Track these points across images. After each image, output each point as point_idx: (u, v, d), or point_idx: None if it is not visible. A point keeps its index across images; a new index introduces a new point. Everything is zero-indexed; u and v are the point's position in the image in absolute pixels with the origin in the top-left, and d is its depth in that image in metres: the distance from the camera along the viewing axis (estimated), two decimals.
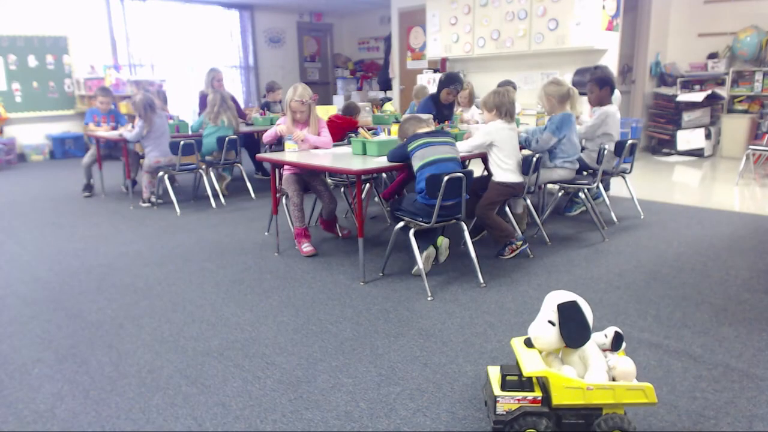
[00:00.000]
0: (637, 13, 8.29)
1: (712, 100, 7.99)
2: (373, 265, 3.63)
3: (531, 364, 1.81)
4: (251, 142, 6.66)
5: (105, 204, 5.68)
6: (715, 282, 3.28)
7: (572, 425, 1.83)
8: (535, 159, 3.70)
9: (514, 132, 3.74)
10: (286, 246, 4.08)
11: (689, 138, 8.03)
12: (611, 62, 6.57)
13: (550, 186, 4.42)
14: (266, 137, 4.21)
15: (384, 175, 5.22)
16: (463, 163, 4.51)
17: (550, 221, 4.58)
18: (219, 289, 3.31)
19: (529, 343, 1.91)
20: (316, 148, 4.13)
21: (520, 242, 3.70)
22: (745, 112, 7.91)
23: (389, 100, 9.48)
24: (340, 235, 4.31)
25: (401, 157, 3.37)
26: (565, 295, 1.87)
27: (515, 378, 1.84)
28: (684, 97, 8.00)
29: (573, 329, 1.83)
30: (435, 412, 2.06)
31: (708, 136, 8.02)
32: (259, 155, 4.30)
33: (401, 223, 3.31)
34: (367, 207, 4.95)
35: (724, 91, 7.98)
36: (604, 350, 1.93)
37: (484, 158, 4.65)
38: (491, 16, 7.21)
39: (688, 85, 8.24)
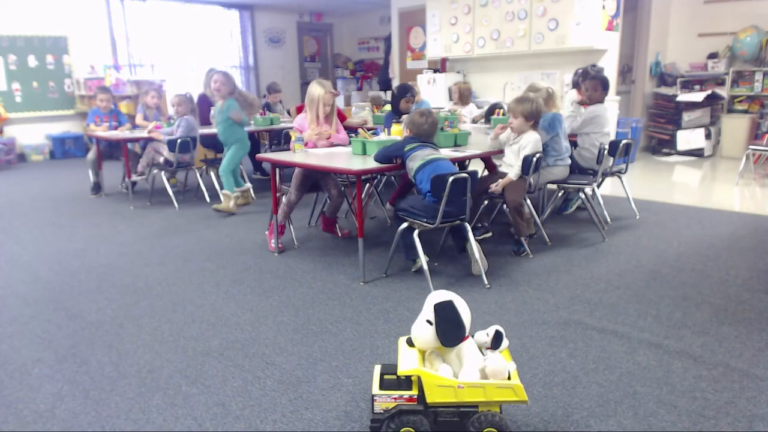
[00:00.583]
0: (637, 13, 8.29)
1: (712, 100, 7.99)
2: (373, 265, 3.63)
3: (405, 363, 1.84)
4: (251, 142, 6.64)
5: (105, 204, 5.68)
6: (715, 282, 3.28)
7: (448, 423, 1.85)
8: (535, 159, 3.70)
9: None
10: (286, 246, 4.08)
11: (689, 138, 8.03)
12: (611, 62, 6.57)
13: (550, 186, 4.43)
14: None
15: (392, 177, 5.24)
16: (462, 163, 4.53)
17: (549, 221, 4.58)
18: (219, 289, 3.31)
19: (411, 342, 1.94)
20: (333, 145, 4.20)
21: (531, 234, 3.92)
22: (745, 112, 7.91)
23: (388, 103, 9.46)
24: (339, 234, 4.31)
25: (390, 158, 3.37)
26: (443, 295, 1.90)
27: (393, 377, 1.86)
28: (684, 97, 8.00)
29: (448, 329, 1.86)
30: None
31: (708, 136, 8.02)
32: (258, 155, 4.29)
33: (405, 224, 3.30)
34: (367, 207, 4.96)
35: (724, 91, 7.98)
36: (487, 348, 1.95)
37: (486, 159, 4.67)
38: (491, 16, 7.21)
39: (688, 85, 8.24)
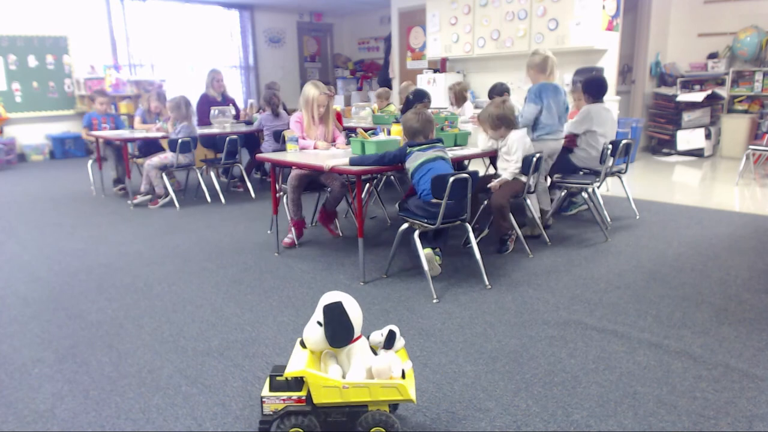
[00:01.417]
0: (637, 13, 8.29)
1: (712, 100, 7.99)
2: (373, 265, 3.63)
3: (293, 365, 1.85)
4: (251, 142, 6.65)
5: (105, 204, 5.68)
6: (715, 282, 3.28)
7: (337, 423, 1.86)
8: (535, 159, 3.70)
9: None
10: (286, 246, 4.08)
11: (689, 138, 8.03)
12: (611, 62, 6.57)
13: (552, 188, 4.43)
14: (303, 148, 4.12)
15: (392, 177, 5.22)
16: (461, 163, 4.53)
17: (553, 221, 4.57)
18: (219, 289, 3.31)
19: (304, 344, 1.94)
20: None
21: (514, 234, 3.82)
22: (745, 112, 7.92)
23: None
24: (334, 233, 4.31)
25: (395, 161, 3.33)
26: (334, 296, 1.90)
27: (283, 378, 1.86)
28: (684, 97, 8.00)
29: (336, 330, 1.87)
30: (435, 412, 2.06)
31: (708, 136, 8.02)
32: (258, 155, 4.29)
33: (405, 225, 3.29)
34: (367, 207, 4.96)
35: (724, 91, 7.98)
36: (381, 348, 1.95)
37: (492, 158, 4.67)
38: (491, 16, 7.21)
39: (688, 85, 8.25)
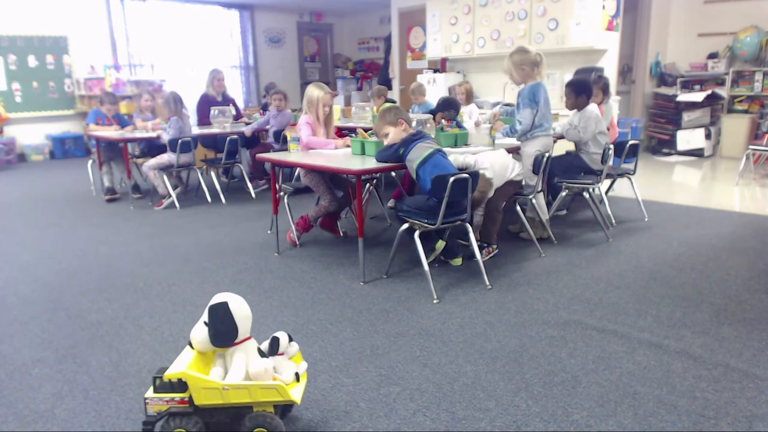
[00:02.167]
0: (637, 13, 8.30)
1: (712, 100, 7.99)
2: (373, 265, 3.63)
3: (175, 366, 1.86)
4: (252, 142, 6.65)
5: (105, 204, 5.68)
6: (715, 282, 3.28)
7: (220, 424, 1.87)
8: (545, 159, 3.69)
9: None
10: (286, 246, 4.08)
11: (689, 138, 8.04)
12: (611, 62, 6.57)
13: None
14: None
15: (394, 173, 5.21)
16: None
17: (553, 221, 4.56)
18: (219, 289, 3.28)
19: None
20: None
21: (495, 247, 3.73)
22: (745, 112, 7.92)
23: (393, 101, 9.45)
24: (339, 233, 4.32)
25: (391, 158, 3.37)
26: (221, 297, 1.90)
27: (167, 379, 1.85)
28: (684, 97, 8.00)
29: (218, 330, 1.87)
30: (435, 412, 2.06)
31: (708, 136, 8.03)
32: (259, 155, 4.29)
33: (405, 225, 3.29)
34: (367, 206, 4.95)
35: (724, 91, 7.98)
36: (279, 354, 1.97)
37: None
38: (491, 16, 7.21)
39: (688, 85, 8.25)
